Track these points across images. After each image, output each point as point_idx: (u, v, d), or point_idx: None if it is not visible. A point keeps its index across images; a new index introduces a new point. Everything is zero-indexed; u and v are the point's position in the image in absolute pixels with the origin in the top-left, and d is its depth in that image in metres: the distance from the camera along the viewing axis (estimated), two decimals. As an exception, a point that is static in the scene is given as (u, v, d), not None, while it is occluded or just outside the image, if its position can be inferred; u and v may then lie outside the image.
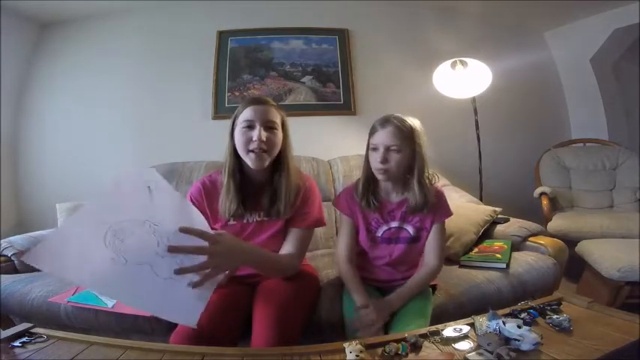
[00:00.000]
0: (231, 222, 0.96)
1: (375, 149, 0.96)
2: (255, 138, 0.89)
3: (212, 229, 0.94)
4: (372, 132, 0.98)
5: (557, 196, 2.20)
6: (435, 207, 1.00)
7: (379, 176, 0.97)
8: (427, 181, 0.99)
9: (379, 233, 1.02)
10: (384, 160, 0.94)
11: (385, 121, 0.96)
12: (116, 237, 0.57)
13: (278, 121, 0.95)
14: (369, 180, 1.01)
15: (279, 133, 0.95)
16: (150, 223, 0.59)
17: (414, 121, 0.98)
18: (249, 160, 0.92)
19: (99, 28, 2.23)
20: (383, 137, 0.94)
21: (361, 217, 1.02)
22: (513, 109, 2.49)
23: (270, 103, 0.96)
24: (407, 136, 0.94)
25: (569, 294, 0.84)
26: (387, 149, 0.94)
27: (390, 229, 1.02)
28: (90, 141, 2.14)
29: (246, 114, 0.92)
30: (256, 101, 0.95)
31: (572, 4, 2.30)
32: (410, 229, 1.01)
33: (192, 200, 0.96)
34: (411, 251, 1.03)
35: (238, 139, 0.92)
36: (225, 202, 0.93)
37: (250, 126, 0.91)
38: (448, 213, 1.02)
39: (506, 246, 1.30)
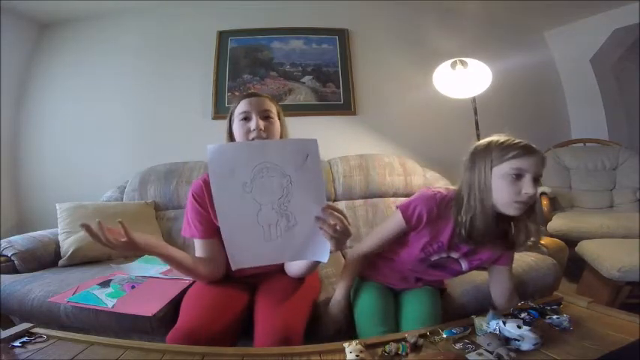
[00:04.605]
0: None
1: (518, 176, 0.77)
2: (253, 127, 0.90)
3: (215, 225, 0.94)
4: (516, 155, 0.77)
5: (557, 196, 2.20)
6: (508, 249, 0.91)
7: (513, 211, 0.79)
8: None
9: (432, 258, 0.92)
10: (534, 189, 0.77)
11: (531, 147, 0.79)
12: (261, 172, 0.67)
13: (274, 110, 0.96)
14: (482, 213, 0.80)
15: (277, 123, 0.96)
16: (290, 179, 0.67)
17: None
18: None
19: (99, 27, 2.23)
20: (532, 164, 0.77)
21: (427, 236, 0.89)
22: (513, 109, 2.48)
23: (264, 95, 0.98)
24: None
25: (569, 294, 0.84)
26: (534, 179, 0.77)
27: (447, 257, 0.92)
28: (90, 141, 2.14)
29: (242, 106, 0.94)
30: (250, 94, 0.97)
31: (572, 4, 2.30)
32: (465, 265, 0.93)
33: (194, 197, 0.95)
34: (449, 277, 1.01)
35: (237, 132, 0.93)
36: None
37: (247, 117, 0.92)
38: (513, 256, 0.94)
39: (506, 246, 1.30)
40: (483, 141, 0.85)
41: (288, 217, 0.68)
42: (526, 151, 0.78)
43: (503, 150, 0.79)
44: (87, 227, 0.69)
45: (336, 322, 0.92)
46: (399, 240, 0.94)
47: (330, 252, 0.72)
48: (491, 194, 0.80)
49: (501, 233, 0.86)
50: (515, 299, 0.92)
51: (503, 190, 0.78)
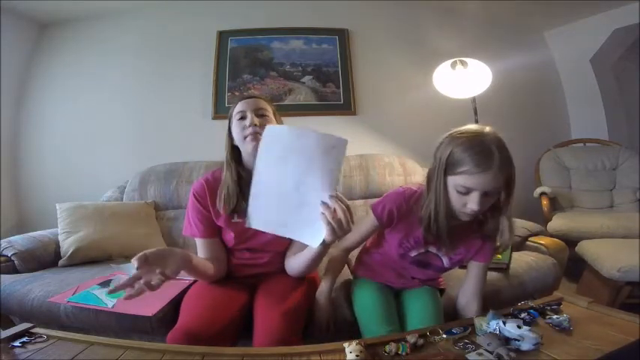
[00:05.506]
0: (235, 219, 0.95)
1: (466, 193, 0.76)
2: (248, 123, 0.93)
3: (216, 225, 0.94)
4: (467, 172, 0.74)
5: (557, 196, 2.20)
6: (485, 244, 0.90)
7: (464, 217, 0.81)
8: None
9: (412, 253, 0.93)
10: (480, 206, 0.75)
11: (487, 161, 0.73)
12: (293, 151, 0.74)
13: (269, 110, 0.99)
14: (443, 214, 0.81)
15: (273, 121, 0.99)
16: (312, 162, 0.73)
17: (504, 142, 0.76)
18: (247, 147, 0.93)
19: (99, 28, 2.23)
20: (482, 183, 0.74)
21: (402, 231, 0.91)
22: (513, 109, 2.48)
23: (259, 97, 1.01)
24: (508, 173, 0.76)
25: (569, 294, 0.84)
26: (485, 194, 0.75)
27: (426, 252, 0.93)
28: (90, 141, 2.14)
29: (239, 107, 0.98)
30: (246, 96, 1.01)
31: (572, 4, 2.30)
32: (445, 260, 0.93)
33: (195, 196, 0.96)
34: (438, 275, 1.02)
35: (235, 131, 0.96)
36: (225, 197, 0.93)
37: (243, 116, 0.96)
38: (492, 253, 0.92)
39: (506, 246, 1.30)
40: (447, 138, 0.82)
41: (301, 195, 0.74)
42: (479, 169, 0.73)
43: (458, 160, 0.76)
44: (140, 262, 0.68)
45: (326, 312, 0.93)
46: (380, 236, 0.98)
47: (324, 240, 0.73)
48: (447, 197, 0.80)
49: (470, 228, 0.87)
50: (476, 305, 0.89)
51: (452, 198, 0.80)
